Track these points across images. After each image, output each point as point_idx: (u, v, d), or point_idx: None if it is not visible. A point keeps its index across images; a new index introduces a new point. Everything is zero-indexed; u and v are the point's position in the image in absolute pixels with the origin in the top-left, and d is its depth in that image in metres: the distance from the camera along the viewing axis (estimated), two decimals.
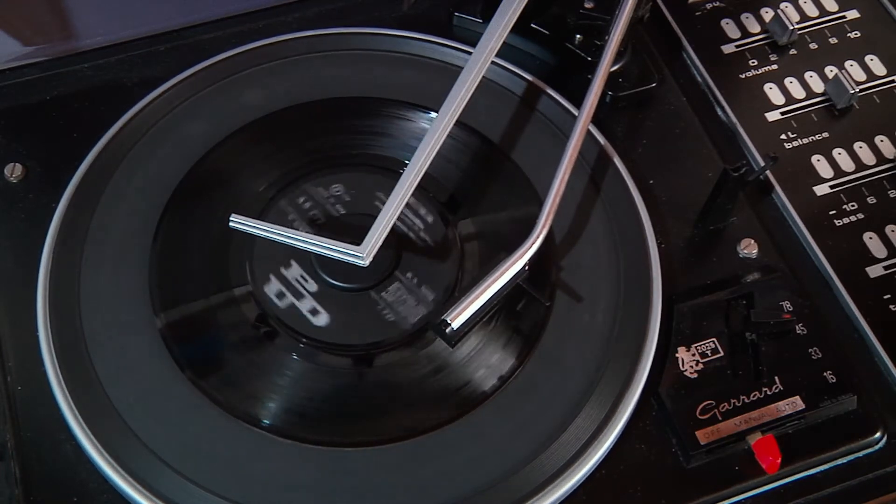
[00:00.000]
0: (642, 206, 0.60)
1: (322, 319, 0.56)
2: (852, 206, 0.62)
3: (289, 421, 0.53)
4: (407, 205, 0.56)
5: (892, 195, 0.62)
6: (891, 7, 0.70)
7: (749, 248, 0.60)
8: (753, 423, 0.53)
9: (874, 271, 0.59)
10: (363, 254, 0.54)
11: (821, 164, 0.63)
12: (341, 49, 0.66)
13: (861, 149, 0.64)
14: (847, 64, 0.68)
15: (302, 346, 0.55)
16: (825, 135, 0.64)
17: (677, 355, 0.55)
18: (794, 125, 0.65)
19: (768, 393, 0.54)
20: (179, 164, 0.61)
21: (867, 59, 0.68)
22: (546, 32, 0.67)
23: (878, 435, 0.54)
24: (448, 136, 0.58)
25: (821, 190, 0.62)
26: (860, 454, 0.54)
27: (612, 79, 0.65)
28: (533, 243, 0.55)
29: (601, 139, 0.62)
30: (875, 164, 0.63)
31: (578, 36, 0.65)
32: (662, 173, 0.63)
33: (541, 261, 0.56)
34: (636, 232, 0.59)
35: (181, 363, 0.54)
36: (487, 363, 0.55)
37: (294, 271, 0.57)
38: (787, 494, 0.53)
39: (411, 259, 0.58)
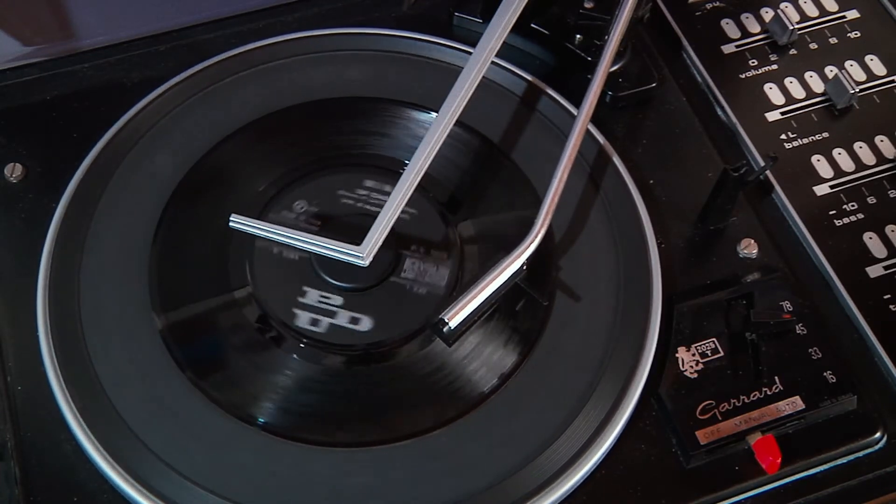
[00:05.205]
0: (642, 206, 0.60)
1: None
2: (852, 206, 0.62)
3: (288, 421, 0.53)
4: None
5: (892, 195, 0.62)
6: (891, 7, 0.70)
7: (749, 248, 0.60)
8: (753, 423, 0.53)
9: (874, 271, 0.59)
10: (363, 254, 0.54)
11: (821, 164, 0.63)
12: (341, 49, 0.66)
13: (861, 149, 0.64)
14: (847, 64, 0.68)
15: (301, 346, 0.55)
16: (825, 135, 0.64)
17: (677, 355, 0.55)
18: (794, 125, 0.65)
19: (768, 393, 0.54)
20: (179, 164, 0.61)
21: (867, 59, 0.68)
22: (546, 32, 0.67)
23: (878, 435, 0.54)
24: (448, 136, 0.58)
25: (821, 190, 0.62)
26: (860, 454, 0.54)
27: (611, 79, 0.65)
28: (531, 243, 0.55)
29: (601, 139, 0.62)
30: (875, 164, 0.63)
31: (578, 36, 0.65)
32: (662, 173, 0.63)
33: (540, 260, 0.56)
34: (636, 232, 0.59)
35: (181, 363, 0.54)
36: (487, 363, 0.55)
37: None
38: (787, 494, 0.53)
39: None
